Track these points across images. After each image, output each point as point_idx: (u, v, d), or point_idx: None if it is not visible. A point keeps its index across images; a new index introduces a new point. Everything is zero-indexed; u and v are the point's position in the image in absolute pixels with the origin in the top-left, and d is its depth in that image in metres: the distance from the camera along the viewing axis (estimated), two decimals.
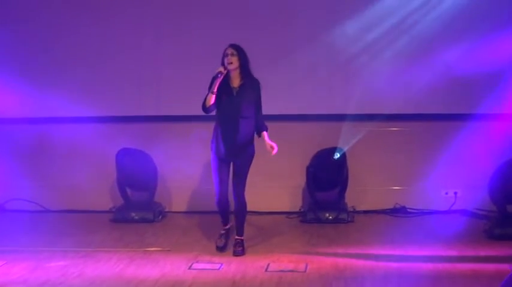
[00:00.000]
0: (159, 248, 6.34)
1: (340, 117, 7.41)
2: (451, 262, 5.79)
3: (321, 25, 7.42)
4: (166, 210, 7.74)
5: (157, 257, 6.04)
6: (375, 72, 7.38)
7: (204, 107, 5.95)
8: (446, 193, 7.53)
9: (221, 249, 6.21)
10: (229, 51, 5.97)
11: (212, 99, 5.92)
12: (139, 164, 7.45)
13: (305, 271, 5.62)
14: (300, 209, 7.56)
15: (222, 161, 6.05)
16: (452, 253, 6.03)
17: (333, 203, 7.40)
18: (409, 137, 7.51)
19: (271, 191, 7.61)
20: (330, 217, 7.21)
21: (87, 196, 7.77)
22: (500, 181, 6.68)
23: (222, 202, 6.12)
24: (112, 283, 5.41)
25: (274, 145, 6.04)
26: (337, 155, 7.26)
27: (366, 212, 7.55)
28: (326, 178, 7.37)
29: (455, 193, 7.51)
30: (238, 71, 6.00)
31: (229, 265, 5.81)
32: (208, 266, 5.82)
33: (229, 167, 6.11)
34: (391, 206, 7.56)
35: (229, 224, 6.36)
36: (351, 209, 7.40)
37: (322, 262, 5.86)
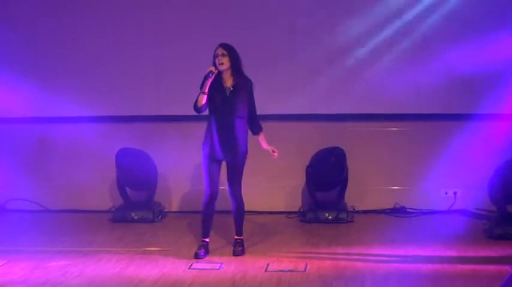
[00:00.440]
0: (158, 248, 6.34)
1: (340, 117, 7.42)
2: (451, 262, 5.79)
3: (321, 25, 7.42)
4: (166, 210, 7.74)
5: (157, 257, 6.03)
6: (375, 72, 7.39)
7: (196, 107, 5.89)
8: (446, 193, 7.53)
9: (198, 256, 5.96)
10: (220, 51, 5.87)
11: (204, 99, 5.85)
12: (139, 164, 7.45)
13: (305, 271, 5.62)
14: (299, 209, 7.55)
15: (214, 162, 5.98)
16: (452, 253, 6.03)
17: (332, 203, 7.40)
18: (409, 137, 7.50)
19: (271, 191, 7.61)
20: (330, 217, 7.20)
21: (87, 195, 7.77)
22: (500, 181, 6.68)
23: (210, 205, 6.01)
24: (112, 283, 5.41)
25: (274, 149, 6.04)
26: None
27: (365, 212, 7.55)
28: (326, 177, 7.38)
29: (455, 193, 7.51)
30: (230, 71, 5.92)
31: (229, 265, 5.80)
32: (208, 266, 5.81)
33: (220, 168, 6.05)
34: (391, 206, 7.55)
35: (209, 237, 6.15)
36: (351, 209, 7.38)
37: (322, 262, 5.86)
